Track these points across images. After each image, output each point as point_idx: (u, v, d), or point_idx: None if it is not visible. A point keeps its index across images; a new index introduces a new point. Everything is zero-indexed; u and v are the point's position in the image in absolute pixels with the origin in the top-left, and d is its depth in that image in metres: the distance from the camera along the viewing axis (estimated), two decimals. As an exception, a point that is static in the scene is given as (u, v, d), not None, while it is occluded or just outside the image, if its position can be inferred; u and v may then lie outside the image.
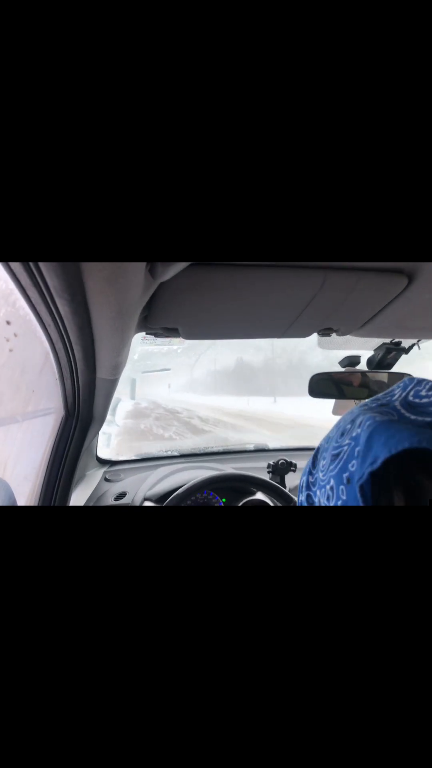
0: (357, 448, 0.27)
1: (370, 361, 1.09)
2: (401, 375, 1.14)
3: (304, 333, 0.78)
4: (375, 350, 1.07)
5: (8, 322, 0.42)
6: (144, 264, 0.37)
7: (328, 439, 0.32)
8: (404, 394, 0.30)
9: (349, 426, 0.30)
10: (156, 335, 0.74)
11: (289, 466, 1.27)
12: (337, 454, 0.29)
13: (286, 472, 1.28)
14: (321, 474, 0.31)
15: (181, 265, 0.42)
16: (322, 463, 0.31)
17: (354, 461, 0.26)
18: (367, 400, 0.33)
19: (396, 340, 1.02)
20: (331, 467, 0.29)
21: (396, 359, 1.07)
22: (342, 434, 0.30)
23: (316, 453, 0.34)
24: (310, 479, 0.33)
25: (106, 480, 1.37)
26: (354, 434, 0.28)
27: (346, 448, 0.28)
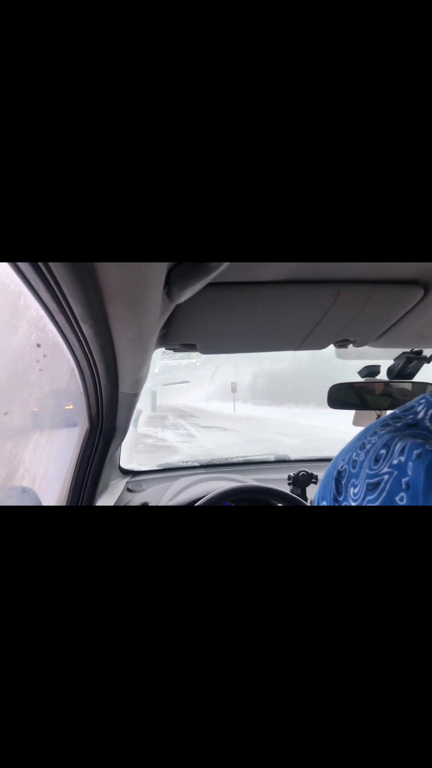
0: (404, 479, 0.25)
1: (390, 371, 1.07)
2: (425, 385, 1.12)
3: (321, 345, 0.79)
4: (395, 360, 1.06)
5: (38, 345, 0.46)
6: (161, 289, 0.40)
7: (351, 461, 0.31)
8: (431, 412, 0.29)
9: (383, 451, 0.28)
10: (175, 350, 0.77)
11: (310, 478, 1.26)
12: (376, 484, 0.27)
13: (308, 484, 1.27)
14: (353, 503, 0.29)
15: (196, 287, 0.44)
16: (352, 490, 0.29)
17: (403, 494, 0.25)
18: (386, 417, 0.32)
19: (417, 349, 1.01)
20: (370, 497, 0.27)
21: (417, 368, 1.06)
22: (376, 460, 0.28)
23: (338, 477, 0.32)
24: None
25: (129, 490, 1.40)
26: (395, 462, 0.26)
27: (386, 477, 0.27)
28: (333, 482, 0.32)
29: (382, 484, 0.27)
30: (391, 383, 1.11)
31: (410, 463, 0.25)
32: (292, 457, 1.67)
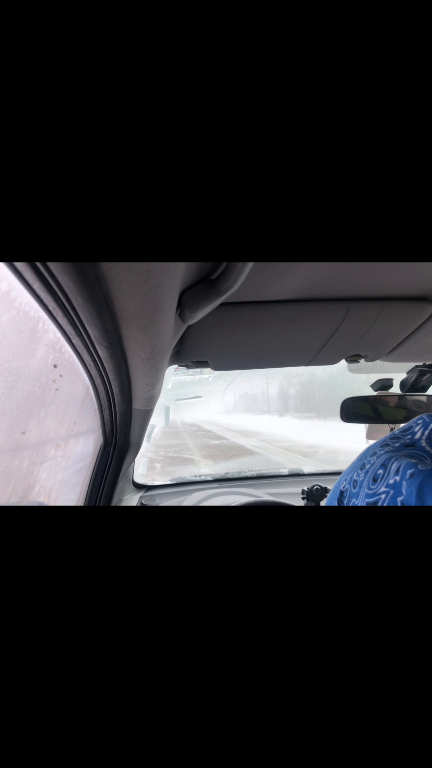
0: (399, 498, 0.26)
1: (403, 384, 1.07)
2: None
3: (332, 361, 0.80)
4: (408, 373, 1.05)
5: (55, 366, 0.47)
6: (174, 312, 0.41)
7: (352, 481, 0.32)
8: (428, 432, 0.29)
9: (380, 471, 0.29)
10: (187, 367, 0.79)
11: (324, 492, 1.25)
12: (374, 503, 0.28)
13: (321, 498, 1.25)
14: None
15: (207, 309, 0.45)
16: None
17: None
18: (385, 438, 0.33)
19: (429, 363, 1.00)
20: None
21: (431, 381, 1.05)
22: (374, 480, 0.29)
23: (340, 497, 0.33)
24: None
25: (142, 505, 1.40)
26: (391, 481, 0.27)
27: (383, 496, 0.28)
28: (336, 501, 0.34)
29: (380, 503, 0.28)
30: (406, 396, 1.10)
31: (404, 483, 0.26)
32: (306, 470, 1.66)
